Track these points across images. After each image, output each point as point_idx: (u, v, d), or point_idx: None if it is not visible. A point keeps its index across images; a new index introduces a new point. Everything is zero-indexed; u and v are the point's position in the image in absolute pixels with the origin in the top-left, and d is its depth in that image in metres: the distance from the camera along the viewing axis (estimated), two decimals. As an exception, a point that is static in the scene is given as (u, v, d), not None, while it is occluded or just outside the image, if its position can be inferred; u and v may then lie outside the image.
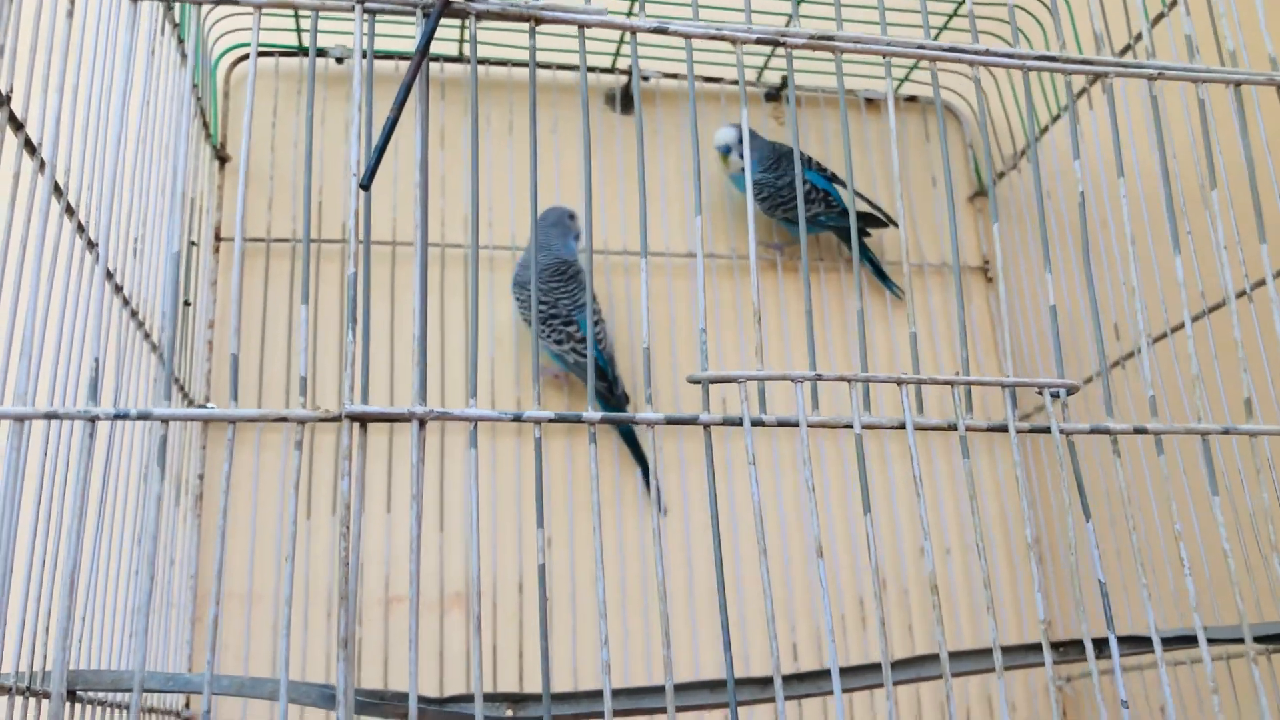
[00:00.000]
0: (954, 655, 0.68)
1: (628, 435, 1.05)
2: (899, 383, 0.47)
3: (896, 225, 1.18)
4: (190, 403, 0.98)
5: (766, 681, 0.60)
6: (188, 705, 0.92)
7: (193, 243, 0.96)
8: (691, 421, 0.47)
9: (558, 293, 1.04)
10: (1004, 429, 0.49)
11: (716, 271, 1.16)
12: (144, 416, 0.42)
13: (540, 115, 1.16)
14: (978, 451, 1.14)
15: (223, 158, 1.09)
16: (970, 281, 1.23)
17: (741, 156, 1.11)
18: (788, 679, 0.65)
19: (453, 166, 1.12)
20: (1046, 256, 0.54)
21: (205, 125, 1.02)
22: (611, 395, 1.03)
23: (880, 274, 1.18)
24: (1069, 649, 0.74)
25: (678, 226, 1.17)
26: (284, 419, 0.43)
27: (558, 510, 1.04)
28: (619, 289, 1.13)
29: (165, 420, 0.42)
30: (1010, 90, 1.17)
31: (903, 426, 0.47)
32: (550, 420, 0.46)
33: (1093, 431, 0.50)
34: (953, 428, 0.48)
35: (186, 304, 0.94)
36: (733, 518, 1.05)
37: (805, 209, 1.14)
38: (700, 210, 0.50)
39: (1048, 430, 0.49)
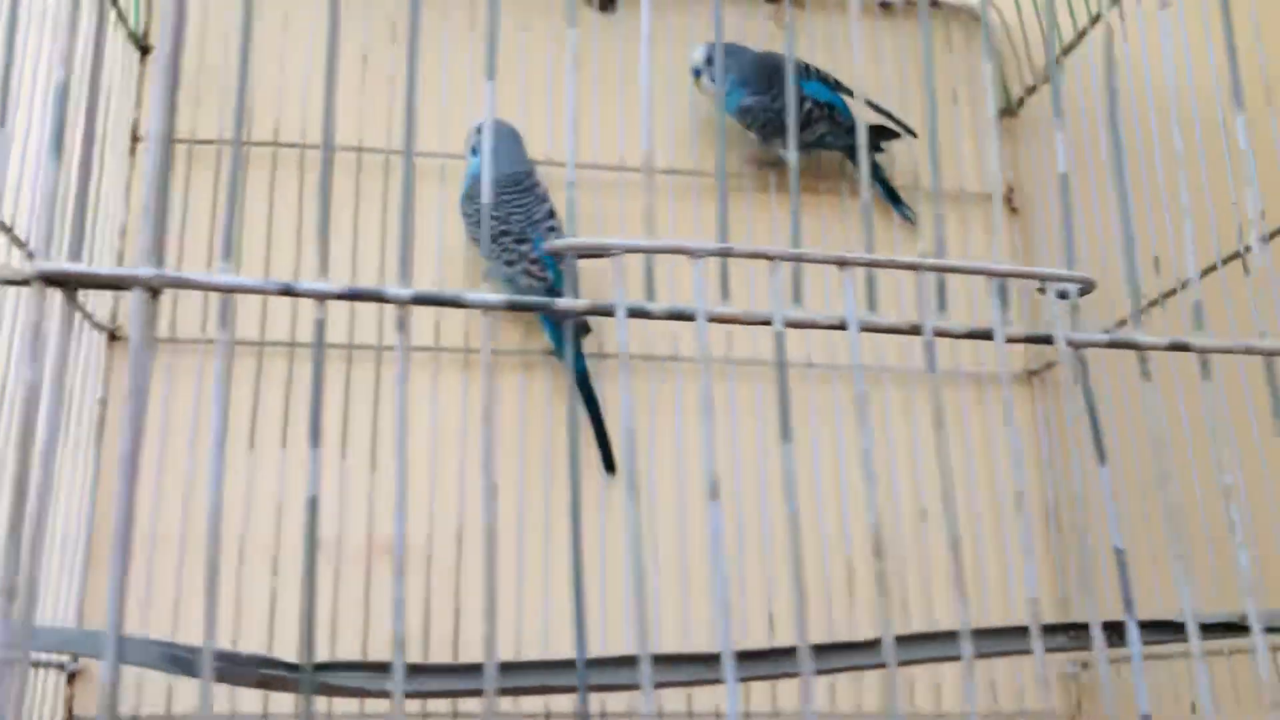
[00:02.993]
0: (926, 637, 0.56)
1: (582, 382, 0.92)
2: (840, 264, 0.34)
3: (915, 135, 1.04)
4: (94, 324, 0.87)
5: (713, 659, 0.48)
6: (75, 659, 0.81)
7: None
8: (540, 308, 0.34)
9: (510, 206, 0.91)
10: (987, 336, 0.35)
11: (700, 192, 1.03)
12: None
13: (507, 12, 1.03)
14: (989, 398, 1.01)
15: (144, 48, 0.97)
16: (993, 212, 1.08)
17: (714, 80, 0.98)
18: (745, 656, 0.54)
19: (403, 64, 0.99)
20: (1113, 115, 0.40)
21: (115, 5, 0.89)
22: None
23: (892, 195, 1.04)
24: (1080, 634, 0.61)
25: (661, 138, 1.04)
26: (-42, 280, 0.31)
27: (507, 455, 0.92)
28: (588, 206, 0.99)
29: None
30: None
31: (843, 327, 0.34)
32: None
33: (1111, 345, 0.37)
34: (916, 331, 0.35)
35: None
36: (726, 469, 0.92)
37: (809, 130, 1.00)
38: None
39: (1049, 340, 0.36)
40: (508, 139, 0.94)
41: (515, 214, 0.91)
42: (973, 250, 1.06)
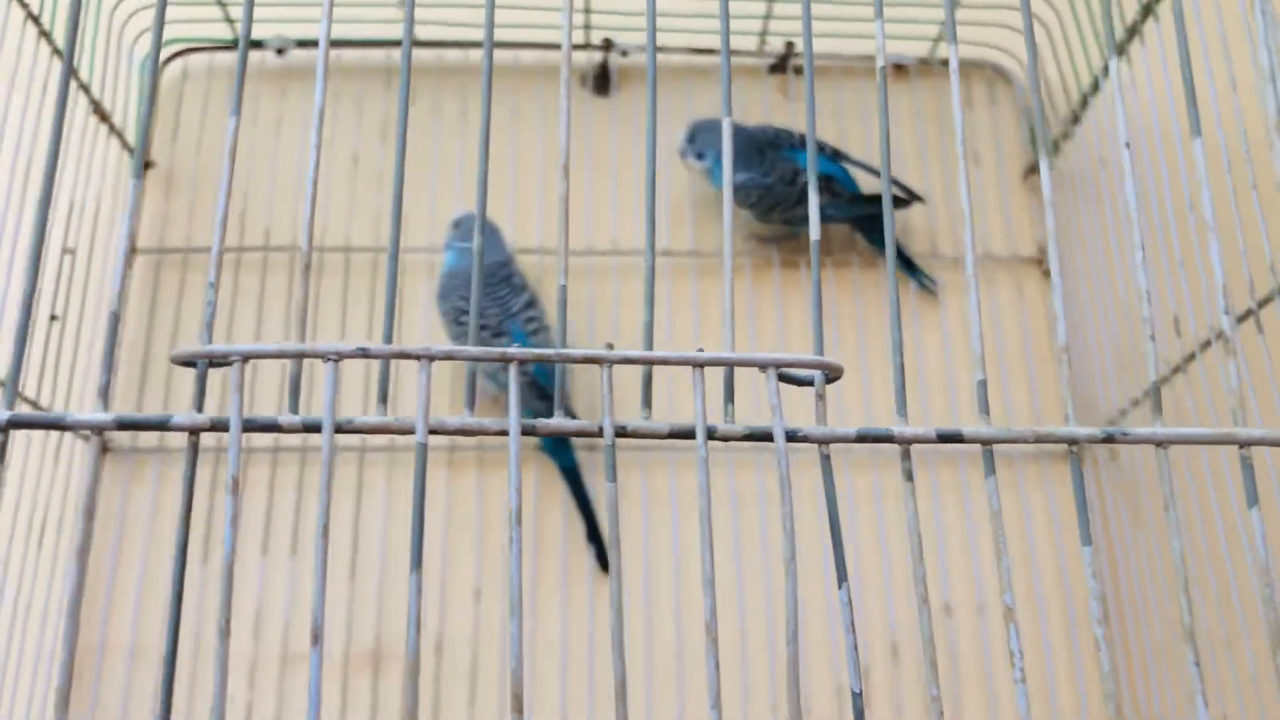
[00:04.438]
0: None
1: (571, 476, 0.88)
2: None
3: (923, 201, 0.98)
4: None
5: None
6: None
7: (69, 250, 0.86)
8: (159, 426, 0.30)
9: (485, 300, 0.88)
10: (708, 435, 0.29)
11: (699, 273, 0.99)
12: None
13: (498, 101, 1.02)
14: (1023, 478, 0.92)
15: (146, 163, 0.99)
16: (1024, 275, 1.00)
17: (698, 158, 0.95)
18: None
19: (392, 161, 0.98)
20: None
21: (104, 120, 0.92)
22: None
23: (907, 264, 0.98)
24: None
25: (662, 221, 1.00)
26: None
27: (490, 554, 0.87)
28: (579, 294, 0.96)
29: None
30: (1064, 41, 0.95)
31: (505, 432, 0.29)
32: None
33: (861, 439, 0.31)
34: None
35: (54, 318, 0.83)
36: (739, 560, 0.86)
37: (805, 205, 0.95)
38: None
39: (768, 436, 0.30)
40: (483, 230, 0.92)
41: (490, 307, 0.88)
42: (1001, 316, 0.98)
